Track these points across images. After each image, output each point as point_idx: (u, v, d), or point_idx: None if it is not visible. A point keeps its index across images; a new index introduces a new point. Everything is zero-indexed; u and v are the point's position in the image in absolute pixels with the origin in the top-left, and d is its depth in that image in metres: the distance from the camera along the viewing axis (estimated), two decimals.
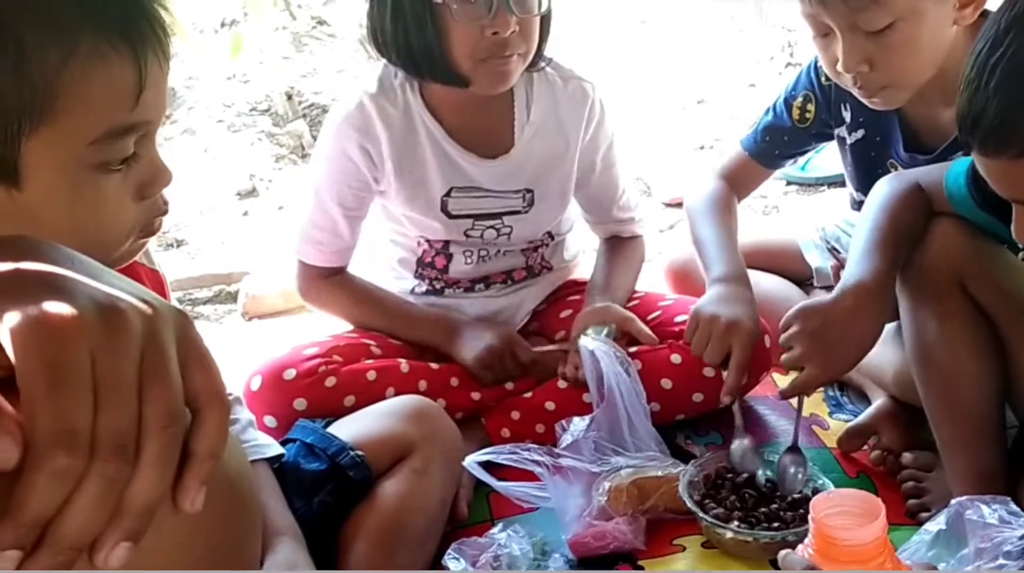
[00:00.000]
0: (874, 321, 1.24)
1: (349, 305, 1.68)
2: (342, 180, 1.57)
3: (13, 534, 0.42)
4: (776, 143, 1.65)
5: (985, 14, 1.37)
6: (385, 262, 1.73)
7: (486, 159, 1.59)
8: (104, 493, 0.43)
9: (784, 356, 1.29)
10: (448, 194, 1.59)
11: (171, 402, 0.46)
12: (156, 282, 1.08)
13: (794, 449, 1.35)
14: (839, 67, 1.32)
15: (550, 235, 1.74)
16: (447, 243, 1.65)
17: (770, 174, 1.73)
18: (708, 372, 1.51)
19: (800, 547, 0.93)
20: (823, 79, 1.55)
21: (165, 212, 0.87)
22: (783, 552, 0.95)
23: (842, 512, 0.91)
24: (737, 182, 1.69)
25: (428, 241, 1.66)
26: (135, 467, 0.44)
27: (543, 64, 1.59)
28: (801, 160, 1.74)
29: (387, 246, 1.71)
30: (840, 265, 1.67)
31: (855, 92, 1.37)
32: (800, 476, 1.32)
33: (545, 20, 1.50)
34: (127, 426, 0.44)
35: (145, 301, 0.48)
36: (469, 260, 1.67)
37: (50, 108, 0.72)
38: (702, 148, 3.26)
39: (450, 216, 1.61)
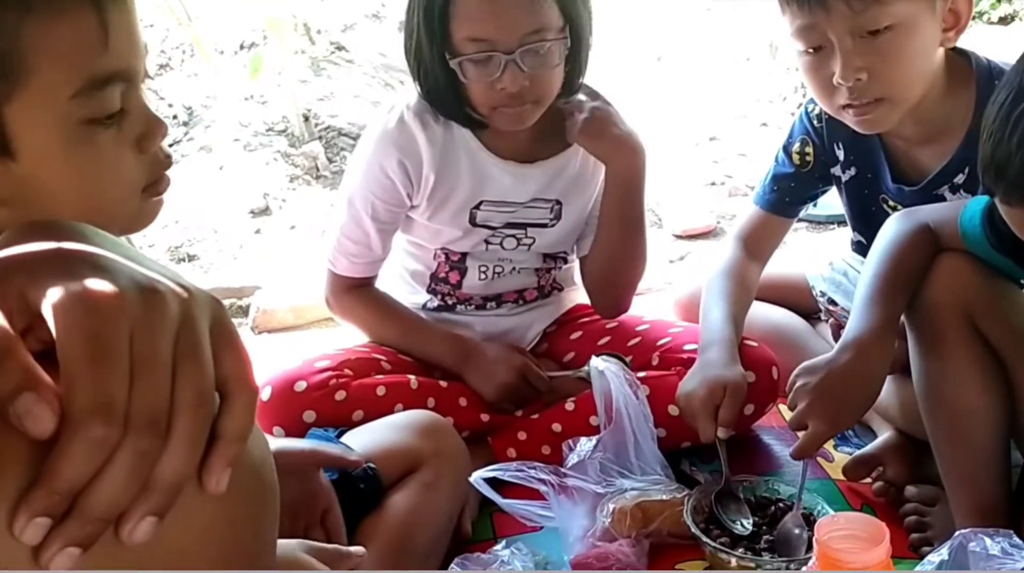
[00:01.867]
0: (876, 374, 1.27)
1: (370, 318, 1.69)
2: (378, 194, 1.59)
3: (45, 502, 0.43)
4: (785, 191, 1.67)
5: (966, 55, 1.41)
6: (399, 274, 1.75)
7: (524, 164, 1.61)
8: (135, 466, 0.44)
9: (790, 416, 1.31)
10: (478, 206, 1.61)
11: (203, 383, 0.47)
12: None
13: (797, 510, 1.33)
14: (837, 79, 1.33)
15: (564, 259, 1.75)
16: (464, 256, 1.67)
17: (789, 223, 1.73)
18: None
19: (804, 569, 0.93)
20: (815, 121, 1.58)
21: (168, 165, 0.87)
22: None
23: (846, 535, 0.91)
24: (756, 240, 1.70)
25: (445, 254, 1.67)
26: (166, 443, 0.46)
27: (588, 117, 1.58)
28: (810, 206, 1.76)
29: (402, 257, 1.73)
30: (837, 321, 1.68)
31: (848, 114, 1.38)
32: (804, 537, 1.29)
33: (576, 53, 1.52)
34: (161, 403, 0.45)
35: (182, 285, 0.50)
36: (483, 276, 1.69)
37: (21, 69, 0.72)
38: (713, 184, 3.29)
39: (475, 224, 1.63)
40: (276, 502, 0.56)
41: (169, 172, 0.88)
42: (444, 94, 1.51)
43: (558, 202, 1.65)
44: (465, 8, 1.42)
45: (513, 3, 1.42)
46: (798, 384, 1.30)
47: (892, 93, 1.34)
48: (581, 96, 1.59)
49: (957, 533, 1.10)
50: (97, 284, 0.46)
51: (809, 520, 1.31)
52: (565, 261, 1.76)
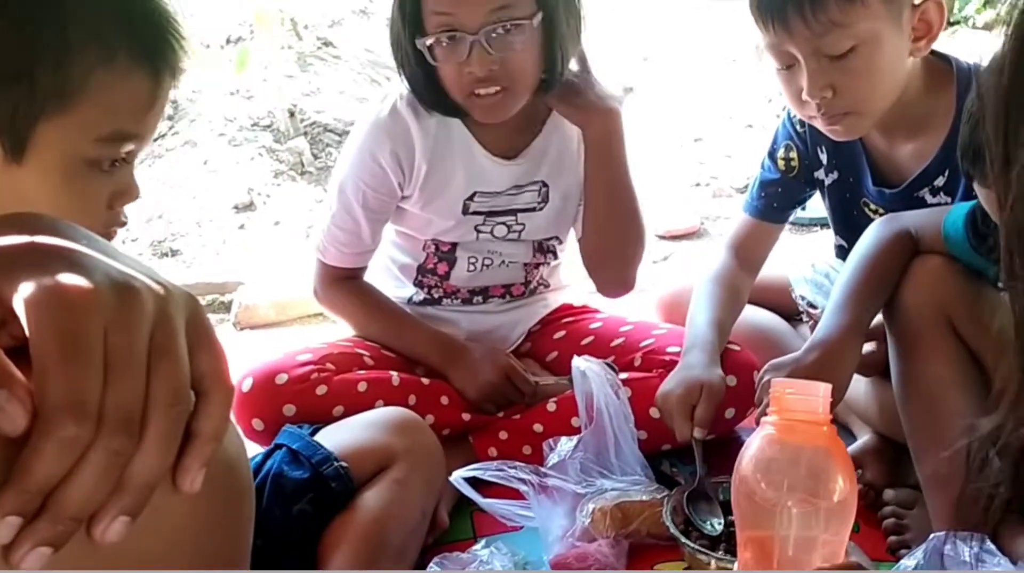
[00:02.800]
0: (840, 375, 1.28)
1: (357, 311, 1.69)
2: (369, 184, 1.59)
3: (16, 501, 0.43)
4: (772, 197, 1.68)
5: (947, 60, 1.43)
6: (385, 267, 1.74)
7: (510, 161, 1.62)
8: (108, 466, 0.44)
9: (756, 411, 1.33)
10: (471, 198, 1.61)
11: (178, 381, 0.47)
12: None
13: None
14: (804, 95, 1.36)
15: (554, 253, 1.75)
16: (453, 247, 1.67)
17: (779, 229, 1.73)
18: None
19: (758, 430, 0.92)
20: (798, 126, 1.60)
21: (123, 224, 0.97)
22: None
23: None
24: (747, 248, 1.71)
25: (435, 244, 1.67)
26: (139, 443, 0.45)
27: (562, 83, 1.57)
28: (798, 210, 1.77)
29: (390, 250, 1.72)
30: (816, 324, 1.69)
31: (818, 123, 1.42)
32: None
33: (550, 43, 1.50)
34: (134, 401, 0.45)
35: (158, 282, 0.50)
36: (472, 267, 1.69)
37: (74, 99, 0.84)
38: (698, 185, 3.30)
39: (466, 213, 1.63)
40: (251, 503, 0.56)
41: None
42: (422, 81, 1.50)
43: (544, 184, 1.65)
44: None
45: None
46: (764, 380, 1.32)
47: (859, 107, 1.38)
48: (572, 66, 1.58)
49: (932, 536, 1.11)
50: (71, 280, 0.46)
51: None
52: (555, 255, 1.76)
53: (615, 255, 1.68)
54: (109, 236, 0.96)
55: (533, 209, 1.67)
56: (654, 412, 1.51)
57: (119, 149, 0.90)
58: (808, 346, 1.31)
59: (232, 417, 0.54)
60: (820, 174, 1.62)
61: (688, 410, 1.41)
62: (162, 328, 0.48)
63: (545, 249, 1.74)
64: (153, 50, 0.89)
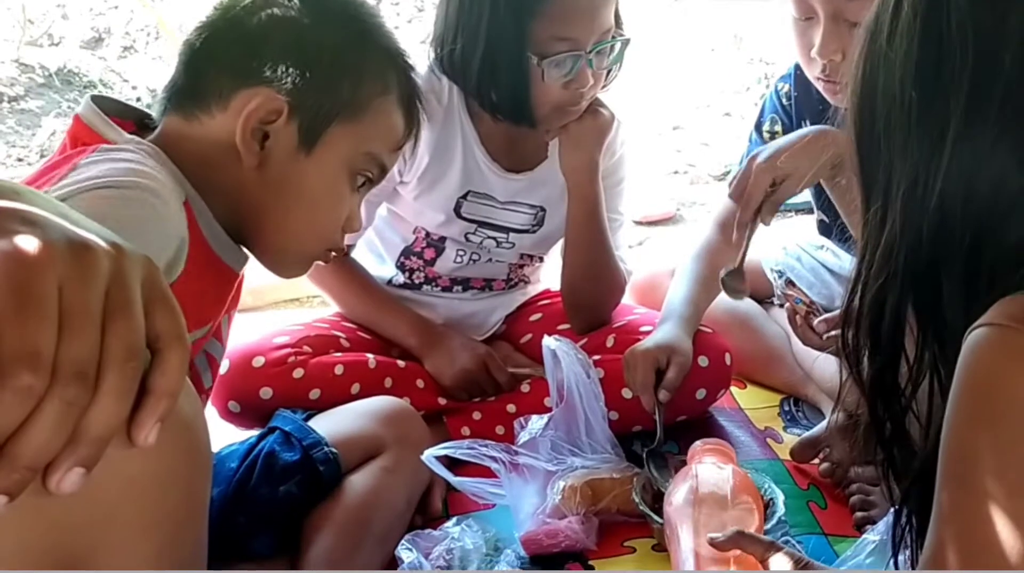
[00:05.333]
0: None
1: (341, 288, 1.70)
2: None
3: None
4: None
5: None
6: (368, 243, 1.74)
7: (510, 173, 1.62)
8: (62, 416, 0.45)
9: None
10: (465, 196, 1.62)
11: (133, 337, 0.48)
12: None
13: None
14: (813, 52, 1.38)
15: (540, 258, 1.77)
16: (444, 238, 1.67)
17: None
18: None
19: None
20: (784, 99, 1.61)
21: (342, 251, 1.23)
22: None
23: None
24: (732, 224, 1.72)
25: (427, 231, 1.67)
26: (94, 395, 0.46)
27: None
28: None
29: (379, 224, 1.72)
30: (792, 305, 1.71)
31: (820, 84, 1.44)
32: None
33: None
34: (88, 355, 0.46)
35: (115, 244, 0.51)
36: (459, 259, 1.69)
37: (359, 113, 1.08)
38: (676, 173, 3.31)
39: (459, 216, 1.64)
40: (208, 463, 0.57)
41: None
42: (511, 94, 1.47)
43: (542, 208, 1.66)
44: (558, 6, 1.41)
45: (600, 2, 1.44)
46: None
47: None
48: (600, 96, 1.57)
49: (892, 510, 1.12)
50: (27, 237, 0.47)
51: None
52: (541, 259, 1.79)
53: (593, 306, 1.70)
54: (326, 258, 1.18)
55: (527, 231, 1.68)
56: (626, 392, 1.53)
57: (372, 170, 1.13)
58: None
59: (188, 380, 0.55)
60: None
61: (652, 369, 1.44)
62: (118, 286, 0.49)
63: (532, 256, 1.76)
64: (412, 103, 1.17)
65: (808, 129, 1.40)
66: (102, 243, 0.50)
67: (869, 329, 0.77)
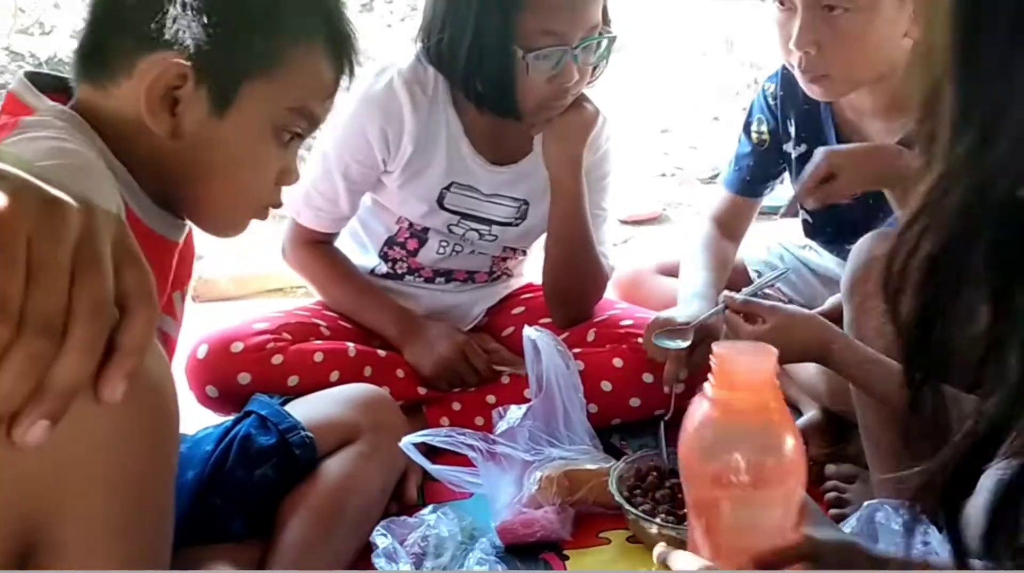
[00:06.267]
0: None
1: (323, 276, 1.70)
2: (353, 156, 1.58)
3: None
4: (746, 170, 1.72)
5: None
6: (352, 232, 1.74)
7: (494, 165, 1.63)
8: (28, 367, 0.45)
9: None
10: (448, 187, 1.62)
11: (101, 293, 0.48)
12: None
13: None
14: (791, 43, 1.39)
15: (523, 252, 1.78)
16: (427, 229, 1.67)
17: (756, 203, 1.77)
18: (647, 378, 1.55)
19: (698, 396, 0.88)
20: (771, 99, 1.63)
21: (278, 205, 1.13)
22: (661, 549, 0.90)
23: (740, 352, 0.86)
24: (726, 220, 1.75)
25: (410, 222, 1.67)
26: (60, 349, 0.46)
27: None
28: (776, 184, 1.79)
29: (363, 213, 1.71)
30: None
31: (798, 75, 1.45)
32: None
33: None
34: (56, 308, 0.46)
35: (86, 202, 0.51)
36: (442, 250, 1.69)
37: (274, 67, 1.00)
38: (663, 175, 3.32)
39: (442, 207, 1.64)
40: (175, 425, 0.57)
41: None
42: (497, 86, 1.48)
43: (526, 202, 1.67)
44: (544, 1, 1.42)
45: None
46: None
47: (837, 72, 1.40)
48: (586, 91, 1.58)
49: (866, 504, 1.14)
50: None
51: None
52: (524, 253, 1.79)
53: (575, 299, 1.70)
54: (263, 215, 1.11)
55: (509, 224, 1.68)
56: (605, 385, 1.54)
57: (300, 124, 1.05)
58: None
59: (159, 343, 0.55)
60: (788, 147, 1.64)
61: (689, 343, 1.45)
62: (88, 242, 0.49)
63: (515, 249, 1.76)
64: (341, 49, 1.07)
65: (879, 144, 1.42)
66: (72, 201, 0.50)
67: (927, 265, 0.66)
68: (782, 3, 1.41)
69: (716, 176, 2.62)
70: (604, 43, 1.50)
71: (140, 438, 0.53)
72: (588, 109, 1.57)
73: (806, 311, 1.35)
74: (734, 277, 1.84)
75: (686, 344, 1.45)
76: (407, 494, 1.41)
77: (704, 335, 1.45)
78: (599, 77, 1.59)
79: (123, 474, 0.52)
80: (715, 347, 0.84)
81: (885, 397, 1.24)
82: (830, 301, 1.43)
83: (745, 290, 1.46)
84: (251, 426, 1.27)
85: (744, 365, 0.81)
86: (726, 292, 1.41)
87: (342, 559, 1.23)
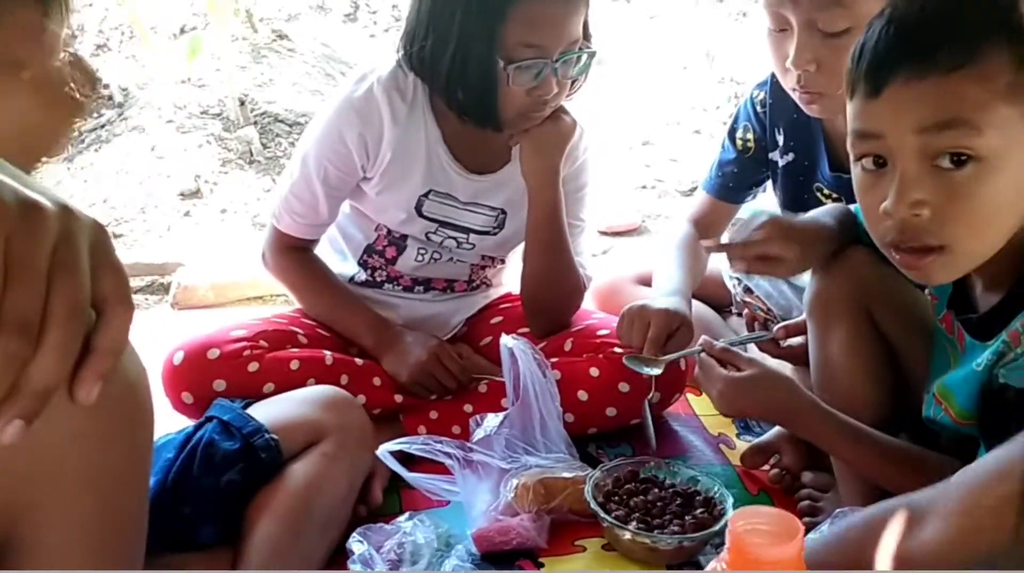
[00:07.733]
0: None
1: (302, 283, 1.70)
2: (332, 161, 1.58)
3: None
4: (728, 177, 1.73)
5: None
6: (331, 240, 1.74)
7: (472, 174, 1.63)
8: (3, 367, 0.46)
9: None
10: (426, 195, 1.62)
11: (78, 295, 0.49)
12: None
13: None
14: (788, 63, 1.41)
15: (501, 261, 1.79)
16: (405, 236, 1.68)
17: (735, 209, 1.79)
18: (623, 387, 1.56)
19: (713, 561, 0.87)
20: (758, 107, 1.64)
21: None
22: None
23: (760, 529, 0.85)
24: (704, 223, 1.77)
25: (388, 229, 1.68)
26: (36, 349, 0.47)
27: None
28: (758, 191, 1.82)
29: (342, 220, 1.72)
30: (751, 313, 1.73)
31: (795, 95, 1.46)
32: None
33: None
34: (32, 309, 0.47)
35: (64, 206, 0.51)
36: (420, 258, 1.70)
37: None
38: (644, 188, 3.34)
39: (420, 215, 1.64)
40: (150, 424, 0.58)
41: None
42: (478, 94, 1.49)
43: (503, 211, 1.68)
44: (525, 13, 1.43)
45: (569, 11, 1.46)
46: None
47: (834, 91, 1.41)
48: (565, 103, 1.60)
49: (836, 511, 1.15)
50: None
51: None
52: (503, 261, 1.80)
53: (552, 309, 1.71)
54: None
55: (487, 233, 1.69)
56: (582, 394, 1.55)
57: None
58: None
59: (145, 362, 0.55)
60: (775, 155, 1.66)
61: (666, 330, 1.49)
62: (65, 245, 0.49)
63: (494, 258, 1.77)
64: None
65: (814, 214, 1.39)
66: (53, 204, 0.50)
67: None
68: (778, 27, 1.42)
69: (695, 189, 2.64)
70: (584, 58, 1.52)
71: (116, 436, 0.54)
72: (566, 121, 1.58)
73: (782, 374, 1.36)
74: (711, 288, 1.86)
75: (658, 371, 1.47)
76: (372, 496, 1.41)
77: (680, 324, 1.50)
78: (578, 90, 1.61)
79: (97, 473, 0.53)
80: (732, 524, 0.78)
81: (855, 464, 1.29)
82: (796, 340, 1.45)
83: (724, 340, 1.46)
84: (213, 432, 1.26)
85: (766, 555, 0.75)
86: (704, 337, 1.43)
87: (311, 560, 1.23)
